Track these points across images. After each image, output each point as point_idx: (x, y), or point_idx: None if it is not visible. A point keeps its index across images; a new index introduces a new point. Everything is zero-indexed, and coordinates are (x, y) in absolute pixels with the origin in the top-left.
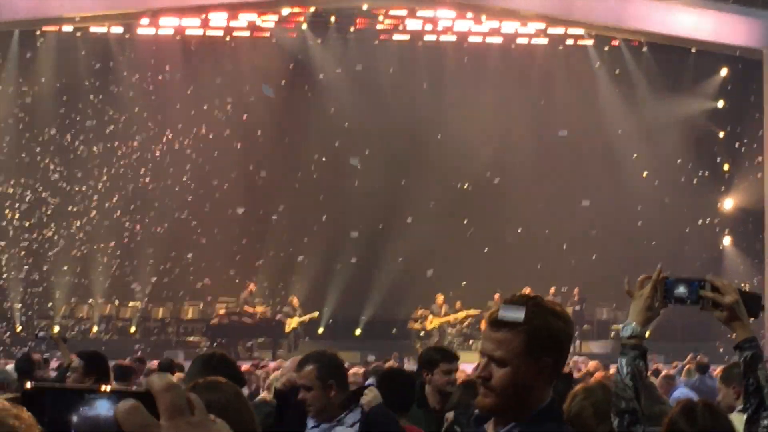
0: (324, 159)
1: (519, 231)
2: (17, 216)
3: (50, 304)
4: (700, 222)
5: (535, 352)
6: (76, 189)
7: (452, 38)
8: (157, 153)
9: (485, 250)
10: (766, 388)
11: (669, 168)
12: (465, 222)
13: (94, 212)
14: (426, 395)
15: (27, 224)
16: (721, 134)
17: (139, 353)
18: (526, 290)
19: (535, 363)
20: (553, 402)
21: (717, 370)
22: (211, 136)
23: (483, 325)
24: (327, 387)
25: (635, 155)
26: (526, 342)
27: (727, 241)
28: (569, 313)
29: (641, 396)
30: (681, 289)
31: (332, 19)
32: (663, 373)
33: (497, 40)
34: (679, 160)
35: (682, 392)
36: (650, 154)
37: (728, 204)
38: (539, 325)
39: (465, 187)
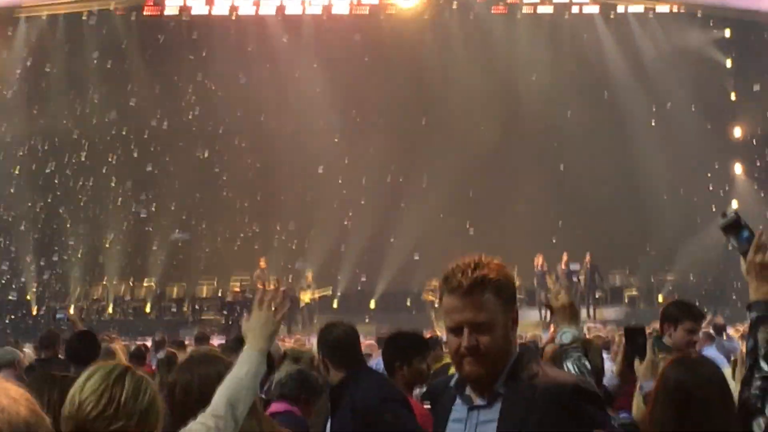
0: (337, 136)
1: (531, 197)
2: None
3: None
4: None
5: (509, 305)
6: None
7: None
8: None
9: (496, 218)
10: (763, 349)
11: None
12: (476, 189)
13: (104, 191)
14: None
15: (39, 207)
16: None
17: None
18: (539, 258)
19: (510, 315)
20: (524, 347)
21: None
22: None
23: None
24: None
25: (652, 121)
26: (499, 298)
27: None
28: (582, 280)
29: None
30: (745, 234)
31: None
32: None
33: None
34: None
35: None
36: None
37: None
38: (502, 279)
39: (477, 154)
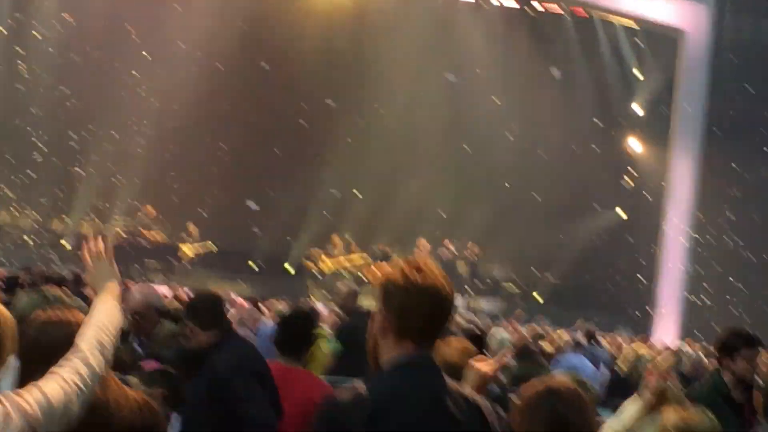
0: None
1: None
2: None
3: None
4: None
5: (380, 303)
6: None
7: None
8: None
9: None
10: None
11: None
12: (369, 168)
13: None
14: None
15: None
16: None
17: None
18: (421, 241)
19: (382, 317)
20: (407, 362)
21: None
22: None
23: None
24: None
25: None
26: (378, 292)
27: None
28: (463, 266)
29: None
30: None
31: None
32: (567, 338)
33: None
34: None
35: (571, 358)
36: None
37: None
38: (385, 278)
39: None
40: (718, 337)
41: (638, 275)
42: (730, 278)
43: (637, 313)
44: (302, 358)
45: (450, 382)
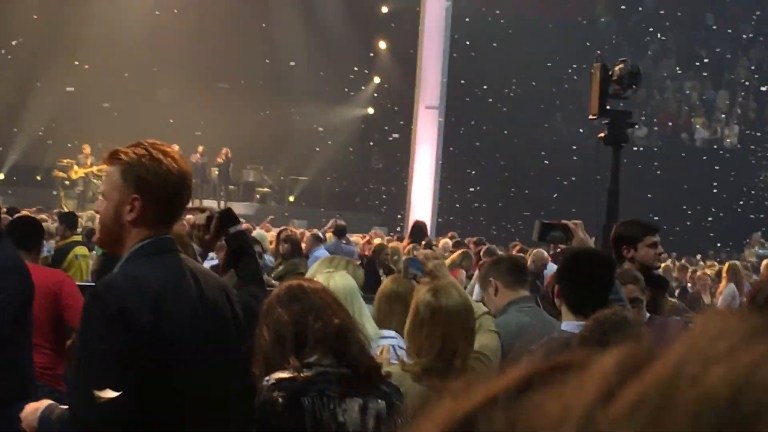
0: None
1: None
2: None
3: None
4: None
5: (127, 188)
6: None
7: None
8: None
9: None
10: None
11: None
12: (128, 76)
13: None
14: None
15: None
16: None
17: None
18: (175, 147)
19: (127, 198)
20: (154, 243)
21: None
22: None
23: None
24: None
25: None
26: (120, 174)
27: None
28: (214, 173)
29: None
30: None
31: None
32: (311, 232)
33: None
34: None
35: (321, 253)
36: None
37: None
38: (133, 162)
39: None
40: (616, 230)
41: (391, 177)
42: (472, 188)
43: (389, 213)
44: (32, 253)
45: (192, 261)
